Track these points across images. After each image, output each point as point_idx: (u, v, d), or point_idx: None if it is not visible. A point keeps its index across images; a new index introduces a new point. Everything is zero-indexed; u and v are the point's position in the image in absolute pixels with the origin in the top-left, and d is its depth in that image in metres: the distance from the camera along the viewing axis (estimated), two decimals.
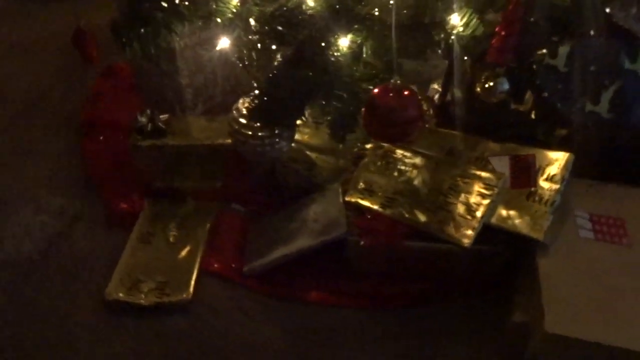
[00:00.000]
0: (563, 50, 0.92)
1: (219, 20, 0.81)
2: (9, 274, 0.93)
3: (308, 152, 1.05)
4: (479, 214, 0.85)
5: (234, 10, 0.81)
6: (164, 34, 0.81)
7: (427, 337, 0.87)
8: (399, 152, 0.97)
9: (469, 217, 0.85)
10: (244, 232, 1.02)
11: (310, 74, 0.69)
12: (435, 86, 1.16)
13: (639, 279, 0.81)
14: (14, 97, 1.38)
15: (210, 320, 0.89)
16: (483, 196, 0.87)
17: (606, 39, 0.93)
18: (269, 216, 1.02)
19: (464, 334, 0.87)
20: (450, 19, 0.73)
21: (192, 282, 0.92)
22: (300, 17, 0.74)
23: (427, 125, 1.03)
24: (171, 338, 0.86)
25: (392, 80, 0.70)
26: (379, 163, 0.97)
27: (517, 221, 0.85)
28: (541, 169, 0.89)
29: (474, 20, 0.72)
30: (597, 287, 0.80)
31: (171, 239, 0.99)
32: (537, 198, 0.86)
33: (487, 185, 0.87)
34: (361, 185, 0.95)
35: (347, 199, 0.95)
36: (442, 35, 0.74)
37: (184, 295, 0.90)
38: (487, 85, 0.92)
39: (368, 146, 1.01)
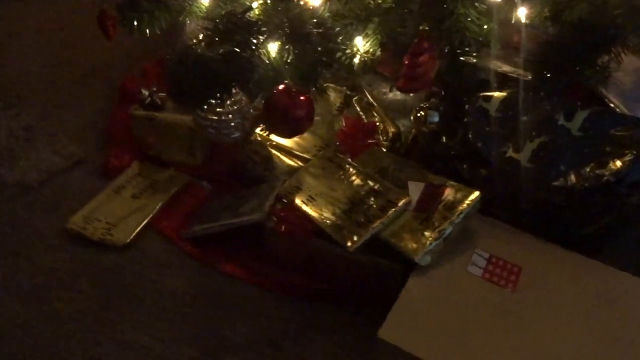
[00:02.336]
0: (499, 96, 0.97)
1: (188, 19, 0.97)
2: (8, 192, 1.16)
3: (270, 149, 1.17)
4: (371, 225, 0.92)
5: (204, 11, 0.97)
6: (148, 20, 0.99)
7: (305, 328, 0.95)
8: (338, 162, 1.06)
9: (363, 226, 0.92)
10: (200, 204, 1.17)
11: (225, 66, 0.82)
12: None
13: (502, 321, 0.83)
14: (84, 64, 1.66)
15: (137, 263, 1.05)
16: (383, 211, 0.93)
17: (546, 94, 0.96)
18: (222, 194, 1.16)
19: (339, 335, 0.94)
20: (354, 41, 0.83)
21: (136, 232, 1.08)
22: (241, 20, 0.88)
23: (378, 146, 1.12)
24: (100, 268, 1.03)
25: (286, 82, 0.81)
26: (318, 167, 1.07)
27: (404, 240, 0.90)
28: (446, 200, 0.93)
29: (374, 43, 0.81)
30: (453, 316, 0.83)
31: (137, 195, 1.16)
32: (430, 224, 0.91)
33: (390, 202, 0.94)
34: (294, 182, 1.05)
35: (278, 191, 1.06)
36: (348, 53, 0.83)
37: (123, 239, 1.06)
38: (418, 115, 0.99)
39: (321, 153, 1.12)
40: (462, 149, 0.97)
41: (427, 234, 0.89)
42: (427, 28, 0.80)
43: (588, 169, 0.91)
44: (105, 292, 1.00)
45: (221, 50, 0.86)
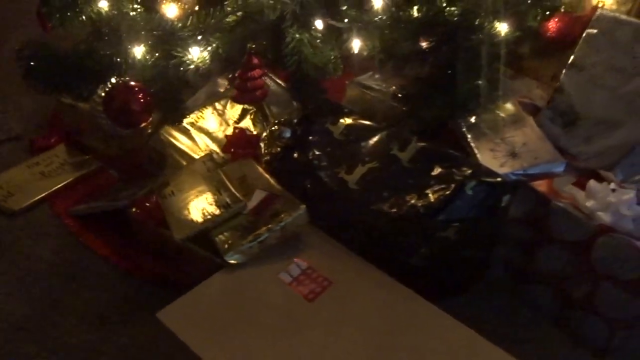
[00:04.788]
0: (346, 120, 1.03)
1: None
2: None
3: (168, 148, 1.28)
4: (203, 221, 0.99)
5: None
6: (58, 17, 1.12)
7: (140, 309, 1.03)
8: (209, 166, 1.15)
9: (195, 220, 1.00)
10: (101, 189, 1.29)
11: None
12: None
13: (286, 329, 0.86)
14: None
15: (19, 230, 1.17)
16: (218, 210, 1.01)
17: (387, 124, 1.01)
18: (122, 182, 1.27)
19: None
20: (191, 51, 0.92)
21: (28, 203, 1.21)
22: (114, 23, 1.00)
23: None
24: None
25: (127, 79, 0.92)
26: (194, 167, 1.16)
27: (224, 238, 0.97)
28: (274, 210, 0.99)
29: (210, 55, 0.90)
30: (240, 315, 0.87)
31: (46, 173, 1.29)
32: (252, 228, 0.97)
33: (227, 204, 1.01)
34: (168, 177, 1.15)
35: (155, 184, 1.15)
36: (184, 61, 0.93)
37: (14, 207, 1.19)
38: (272, 129, 1.06)
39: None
40: (305, 166, 1.03)
41: (246, 237, 0.96)
42: (254, 46, 0.89)
43: (407, 198, 0.94)
44: None
45: (82, 47, 0.98)
